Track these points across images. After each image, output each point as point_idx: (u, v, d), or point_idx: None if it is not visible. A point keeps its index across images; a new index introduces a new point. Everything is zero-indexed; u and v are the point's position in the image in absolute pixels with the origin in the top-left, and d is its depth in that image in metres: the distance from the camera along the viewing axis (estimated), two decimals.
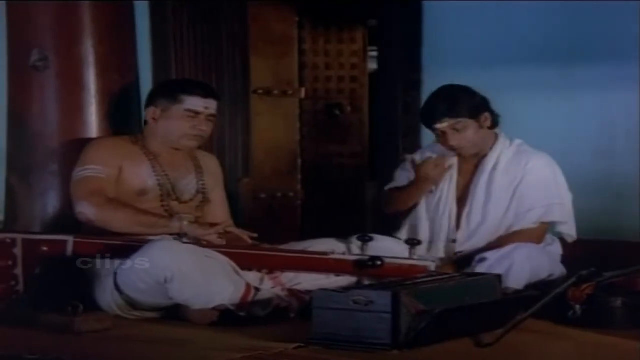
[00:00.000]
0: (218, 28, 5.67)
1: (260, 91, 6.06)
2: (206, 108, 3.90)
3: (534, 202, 3.94)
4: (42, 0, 4.08)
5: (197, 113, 3.88)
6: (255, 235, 3.81)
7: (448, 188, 4.06)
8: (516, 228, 3.94)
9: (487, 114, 3.96)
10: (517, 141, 4.05)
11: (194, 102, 3.88)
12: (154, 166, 3.90)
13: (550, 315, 3.41)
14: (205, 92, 3.96)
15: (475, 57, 5.03)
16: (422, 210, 4.10)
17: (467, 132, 3.94)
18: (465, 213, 4.01)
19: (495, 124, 4.01)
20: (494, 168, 4.00)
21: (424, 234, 4.07)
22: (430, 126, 3.98)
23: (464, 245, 4.00)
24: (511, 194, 3.97)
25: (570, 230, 4.01)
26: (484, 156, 4.03)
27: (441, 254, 4.02)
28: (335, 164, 6.78)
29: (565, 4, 4.90)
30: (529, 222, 3.94)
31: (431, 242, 4.04)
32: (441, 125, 3.93)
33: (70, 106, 4.10)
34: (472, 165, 4.05)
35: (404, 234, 4.13)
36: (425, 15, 5.30)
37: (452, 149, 3.98)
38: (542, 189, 3.96)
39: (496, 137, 4.04)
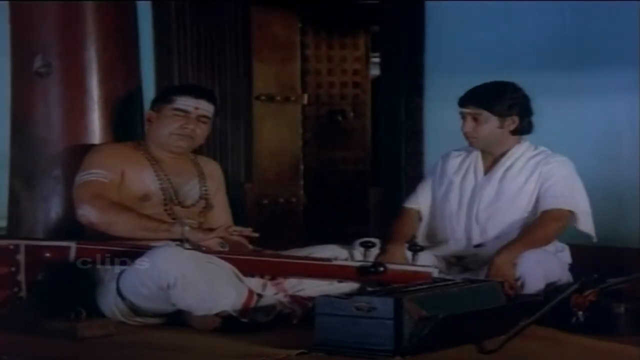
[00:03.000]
0: (221, 34, 5.68)
1: (263, 97, 6.07)
2: (196, 108, 3.89)
3: (561, 191, 3.95)
4: (45, 1, 4.08)
5: (186, 112, 3.88)
6: (256, 235, 3.79)
7: (461, 185, 4.07)
8: (543, 209, 3.93)
9: (515, 118, 3.98)
10: (542, 148, 4.07)
11: (184, 102, 3.88)
12: (157, 171, 3.90)
13: (554, 321, 3.41)
14: (199, 93, 3.96)
15: (478, 62, 5.03)
16: (440, 209, 4.11)
17: (484, 126, 3.97)
18: (474, 210, 4.02)
19: (521, 131, 4.02)
20: (511, 166, 4.01)
21: (441, 233, 4.07)
22: (460, 107, 4.02)
23: (478, 240, 4.01)
24: (530, 190, 3.97)
25: (588, 228, 4.01)
26: (501, 156, 4.04)
27: (459, 249, 4.02)
28: (337, 169, 6.80)
29: (570, 9, 4.90)
30: (555, 205, 3.93)
31: (449, 240, 4.04)
32: (463, 110, 4.00)
33: (74, 112, 4.10)
34: (489, 163, 4.07)
35: (421, 235, 4.14)
36: (428, 21, 5.31)
37: (465, 135, 4.02)
38: (569, 182, 3.98)
39: (519, 142, 4.05)
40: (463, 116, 4.01)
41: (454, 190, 4.08)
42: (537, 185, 3.98)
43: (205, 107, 3.92)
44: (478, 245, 4.00)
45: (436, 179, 4.18)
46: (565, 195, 3.95)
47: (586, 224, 3.99)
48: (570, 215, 3.94)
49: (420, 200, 4.19)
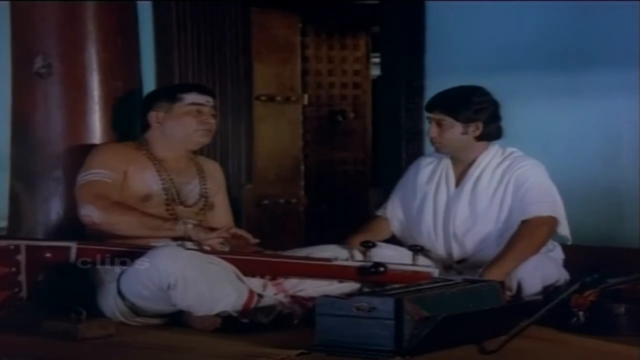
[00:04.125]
0: (221, 34, 5.68)
1: (263, 97, 6.07)
2: (207, 102, 3.94)
3: (539, 197, 3.88)
4: (45, 1, 4.08)
5: (201, 106, 3.91)
6: (257, 241, 3.79)
7: (434, 199, 4.04)
8: (522, 218, 3.86)
9: (479, 124, 3.94)
10: (510, 149, 4.03)
11: (195, 98, 3.92)
12: (159, 171, 3.90)
13: (554, 322, 3.41)
14: (201, 89, 4.03)
15: (479, 63, 5.03)
16: (416, 224, 4.09)
17: (448, 131, 3.94)
18: (451, 227, 3.99)
19: (487, 137, 3.97)
20: (479, 177, 3.98)
21: (421, 245, 4.05)
22: (426, 112, 4.03)
23: (459, 255, 3.99)
24: (499, 200, 3.94)
25: (566, 232, 3.97)
26: (471, 164, 4.01)
27: (440, 262, 4.01)
28: (338, 170, 6.79)
29: (570, 10, 4.90)
30: (536, 212, 3.85)
31: (429, 251, 4.03)
32: (429, 114, 3.99)
33: (74, 113, 4.10)
34: (459, 172, 4.04)
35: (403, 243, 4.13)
36: (428, 22, 5.30)
37: (430, 141, 4.01)
38: (544, 187, 3.92)
39: (487, 147, 4.01)
40: (429, 121, 3.99)
41: (428, 204, 4.04)
42: (508, 193, 3.91)
43: (212, 102, 3.98)
44: (460, 261, 3.99)
45: (408, 191, 4.14)
46: (543, 200, 3.88)
47: (564, 227, 3.95)
48: (553, 221, 3.88)
49: (388, 211, 4.18)
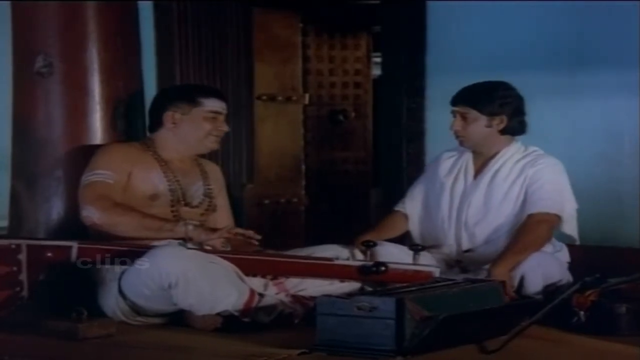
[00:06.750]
0: (222, 34, 5.68)
1: (265, 97, 6.08)
2: (223, 109, 3.97)
3: (548, 194, 3.91)
4: (46, 1, 4.08)
5: (218, 113, 3.94)
6: (259, 237, 3.79)
7: (452, 189, 4.07)
8: (528, 212, 3.90)
9: (503, 118, 3.97)
10: (532, 147, 4.06)
11: (215, 104, 3.95)
12: (165, 172, 3.91)
13: (555, 321, 3.41)
14: (218, 94, 4.05)
15: (480, 63, 5.03)
16: (433, 213, 4.11)
17: (472, 125, 3.98)
18: (463, 215, 4.02)
19: (511, 131, 4.01)
20: (498, 170, 4.01)
21: (435, 238, 4.07)
22: (451, 105, 4.05)
23: (467, 245, 4.01)
24: (516, 194, 3.96)
25: (573, 231, 3.99)
26: (491, 158, 4.04)
27: (451, 254, 4.03)
28: (339, 170, 6.80)
29: (570, 9, 4.90)
30: (541, 208, 3.89)
31: (443, 245, 4.04)
32: (453, 108, 4.01)
33: (75, 112, 4.11)
34: (479, 165, 4.07)
35: (417, 238, 4.14)
36: (430, 21, 5.31)
37: (454, 134, 4.02)
38: (555, 185, 3.95)
39: (509, 142, 4.05)
40: (454, 115, 4.02)
41: (445, 194, 4.07)
42: (523, 188, 3.95)
43: (226, 109, 4.00)
44: (467, 251, 4.01)
45: (429, 183, 4.18)
46: (552, 198, 3.91)
47: (570, 226, 3.97)
48: (556, 219, 3.91)
49: (407, 205, 4.20)
